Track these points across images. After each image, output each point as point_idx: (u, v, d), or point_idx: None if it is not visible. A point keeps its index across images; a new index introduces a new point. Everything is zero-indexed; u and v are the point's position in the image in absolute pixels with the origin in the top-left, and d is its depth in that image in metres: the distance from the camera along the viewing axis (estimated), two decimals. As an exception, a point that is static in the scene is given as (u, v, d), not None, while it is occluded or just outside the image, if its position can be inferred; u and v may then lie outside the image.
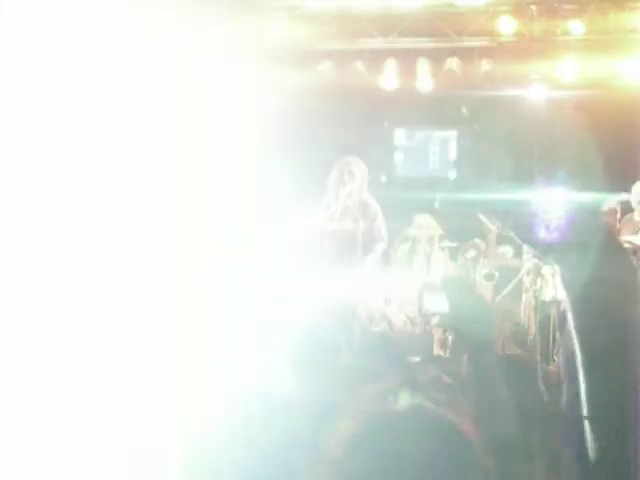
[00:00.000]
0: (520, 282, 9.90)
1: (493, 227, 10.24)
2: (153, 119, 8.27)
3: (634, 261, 9.17)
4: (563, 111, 11.22)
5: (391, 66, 11.23)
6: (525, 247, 9.42)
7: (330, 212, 9.13)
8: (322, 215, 9.20)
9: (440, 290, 2.47)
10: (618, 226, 9.84)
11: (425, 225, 10.96)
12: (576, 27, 10.68)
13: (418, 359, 8.10)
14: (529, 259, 9.44)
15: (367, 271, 9.17)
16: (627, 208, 9.78)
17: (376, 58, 11.34)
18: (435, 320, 9.62)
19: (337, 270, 9.15)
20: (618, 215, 9.92)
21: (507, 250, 10.25)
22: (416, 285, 10.69)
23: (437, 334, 9.94)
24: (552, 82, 11.20)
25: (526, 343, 8.95)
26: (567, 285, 8.74)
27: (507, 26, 10.76)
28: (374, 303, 10.82)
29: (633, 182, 9.69)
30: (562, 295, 9.19)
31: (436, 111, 12.24)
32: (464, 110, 11.02)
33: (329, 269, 9.29)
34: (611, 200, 9.77)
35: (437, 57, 11.25)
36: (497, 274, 10.02)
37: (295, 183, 10.83)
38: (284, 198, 11.30)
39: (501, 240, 10.28)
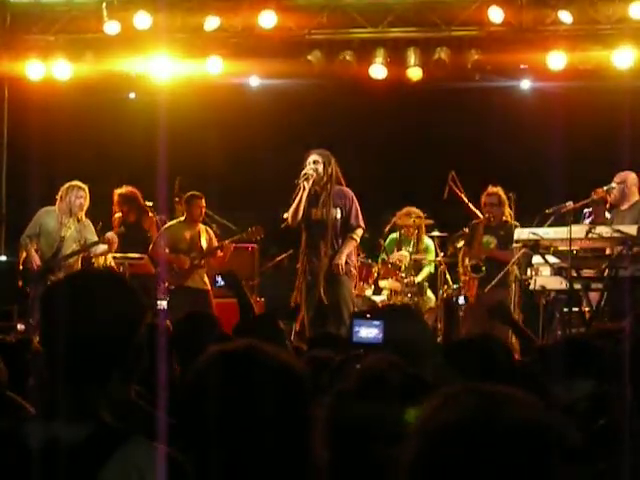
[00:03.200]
0: (508, 272, 9.93)
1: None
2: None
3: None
4: (551, 101, 11.21)
5: (380, 56, 11.21)
6: (516, 236, 9.38)
7: (300, 202, 9.05)
8: (297, 205, 9.12)
9: (374, 319, 2.43)
10: (608, 216, 9.86)
11: (412, 214, 10.97)
12: (565, 17, 10.70)
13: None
14: (519, 248, 9.43)
15: (344, 259, 9.08)
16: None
17: (365, 48, 11.33)
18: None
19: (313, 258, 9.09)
20: (608, 205, 9.94)
21: (491, 240, 10.19)
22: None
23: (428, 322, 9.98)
24: (541, 72, 11.21)
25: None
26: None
27: (496, 16, 10.76)
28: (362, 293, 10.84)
29: (618, 171, 9.67)
30: (553, 284, 9.25)
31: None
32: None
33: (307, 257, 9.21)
34: (599, 189, 9.77)
35: (426, 47, 11.24)
36: (484, 267, 9.97)
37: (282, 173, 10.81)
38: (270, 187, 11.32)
39: (484, 230, 10.19)
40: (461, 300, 10.28)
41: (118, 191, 10.66)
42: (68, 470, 2.14)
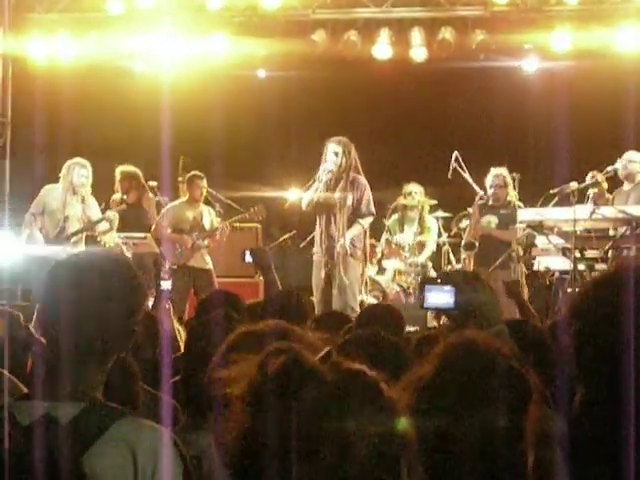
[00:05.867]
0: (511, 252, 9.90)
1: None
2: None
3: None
4: (555, 82, 11.18)
5: (385, 35, 11.17)
6: (519, 217, 9.38)
7: (316, 191, 9.05)
8: (310, 187, 9.12)
9: (445, 284, 2.44)
10: (608, 196, 9.87)
11: (414, 194, 10.97)
12: (570, -3, 10.68)
13: (413, 329, 8.11)
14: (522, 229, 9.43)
15: (348, 241, 9.06)
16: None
17: (370, 27, 11.29)
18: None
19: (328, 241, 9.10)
20: (605, 185, 9.96)
21: (492, 220, 10.13)
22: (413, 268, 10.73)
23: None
24: (545, 52, 11.18)
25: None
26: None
27: (501, -5, 10.74)
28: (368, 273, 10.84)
29: (622, 153, 9.67)
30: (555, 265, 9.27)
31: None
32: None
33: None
34: (594, 171, 9.81)
35: (431, 27, 11.20)
36: (477, 243, 9.91)
37: (290, 154, 10.83)
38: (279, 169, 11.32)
39: (487, 210, 10.13)
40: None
41: (121, 168, 10.66)
42: (59, 447, 2.14)
